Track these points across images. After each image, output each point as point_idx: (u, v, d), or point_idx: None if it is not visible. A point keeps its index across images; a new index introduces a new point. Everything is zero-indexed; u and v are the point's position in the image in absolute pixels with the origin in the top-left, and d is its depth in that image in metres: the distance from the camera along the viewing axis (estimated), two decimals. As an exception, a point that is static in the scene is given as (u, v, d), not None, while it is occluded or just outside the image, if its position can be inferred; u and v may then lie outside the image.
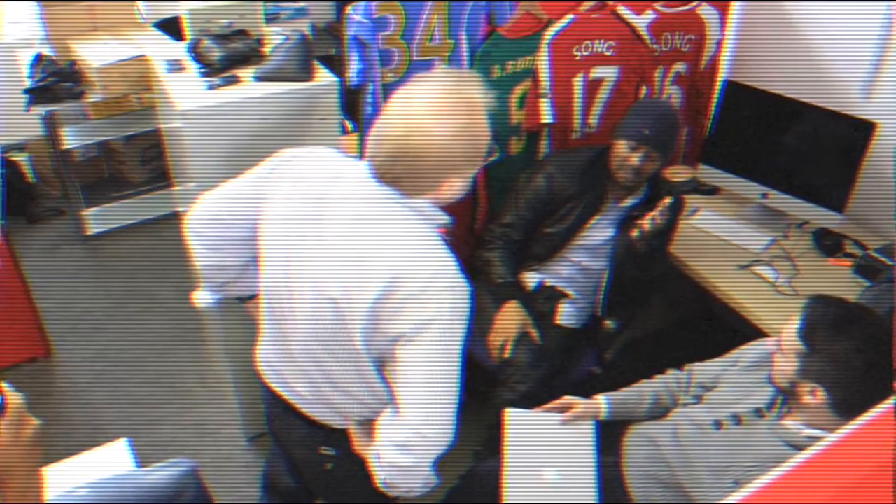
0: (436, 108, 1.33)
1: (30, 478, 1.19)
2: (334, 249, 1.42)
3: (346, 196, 1.44)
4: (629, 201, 2.38)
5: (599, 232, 2.39)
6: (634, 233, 2.23)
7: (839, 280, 2.39)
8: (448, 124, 1.32)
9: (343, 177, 1.47)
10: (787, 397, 1.69)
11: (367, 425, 1.55)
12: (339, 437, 1.62)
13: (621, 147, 2.28)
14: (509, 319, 2.31)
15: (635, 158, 2.25)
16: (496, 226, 2.45)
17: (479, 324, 2.49)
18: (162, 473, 1.78)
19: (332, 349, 1.50)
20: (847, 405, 1.56)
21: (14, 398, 1.23)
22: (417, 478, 1.43)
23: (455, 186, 1.40)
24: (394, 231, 1.39)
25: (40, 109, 3.28)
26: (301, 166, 1.53)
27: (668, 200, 2.20)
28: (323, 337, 1.49)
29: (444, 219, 1.45)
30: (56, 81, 3.25)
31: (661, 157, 2.27)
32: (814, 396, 1.59)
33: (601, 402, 1.97)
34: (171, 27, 3.41)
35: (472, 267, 2.65)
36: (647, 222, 2.20)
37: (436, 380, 1.43)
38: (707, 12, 2.70)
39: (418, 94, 1.35)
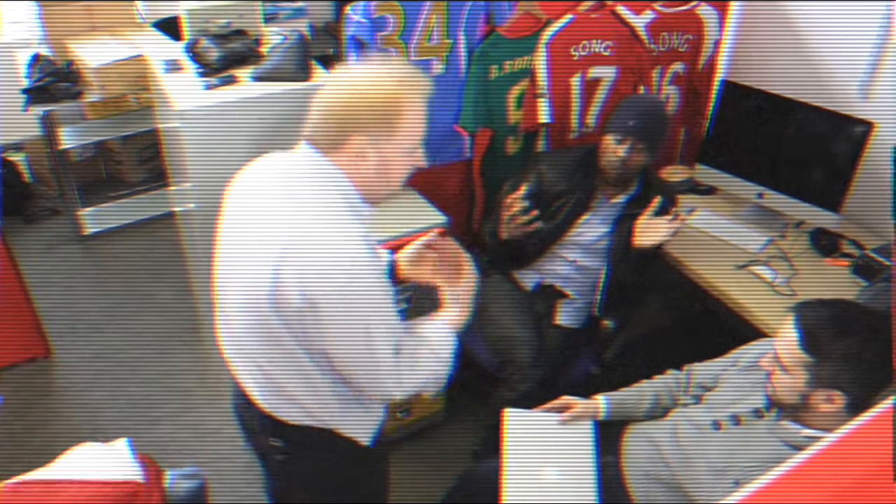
0: (357, 71, 1.44)
1: None
2: (249, 232, 1.46)
3: (267, 178, 1.50)
4: (620, 198, 2.39)
5: (591, 229, 2.39)
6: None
7: (837, 280, 2.40)
8: (358, 81, 1.40)
9: (274, 162, 1.52)
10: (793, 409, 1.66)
11: None
12: (288, 431, 1.60)
13: (608, 141, 2.29)
14: None
15: (621, 151, 2.25)
16: (490, 224, 2.46)
17: (479, 323, 2.49)
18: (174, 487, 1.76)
19: (265, 346, 1.50)
20: (864, 402, 1.55)
21: None
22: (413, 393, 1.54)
23: (366, 154, 1.40)
24: (294, 203, 1.42)
25: (38, 109, 3.28)
26: (250, 168, 1.57)
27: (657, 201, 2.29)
28: (253, 330, 1.49)
29: (356, 199, 1.44)
30: (54, 81, 3.25)
31: (647, 150, 2.28)
32: (831, 402, 1.57)
33: (600, 401, 1.97)
34: (170, 27, 3.40)
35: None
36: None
37: (360, 349, 1.43)
38: (706, 12, 2.70)
39: (354, 65, 1.47)
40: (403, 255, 1.77)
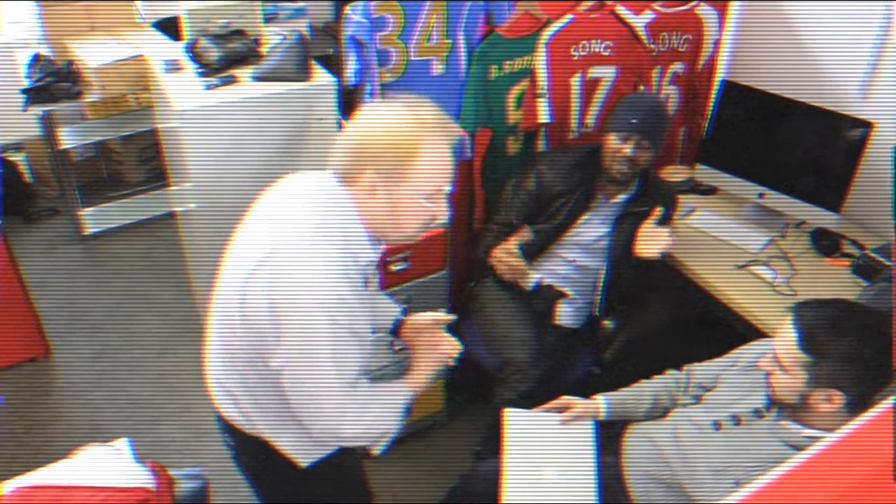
0: (384, 107, 1.43)
1: None
2: (247, 235, 1.49)
3: (284, 190, 1.51)
4: (620, 198, 2.39)
5: (591, 229, 2.40)
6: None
7: (837, 280, 2.39)
8: (380, 118, 1.41)
9: (301, 177, 1.52)
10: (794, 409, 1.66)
11: None
12: (234, 432, 1.64)
13: (612, 140, 2.29)
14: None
15: (627, 149, 2.26)
16: (491, 224, 2.46)
17: (479, 323, 2.49)
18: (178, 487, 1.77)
19: (226, 348, 1.54)
20: (864, 401, 1.55)
21: None
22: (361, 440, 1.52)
23: (376, 191, 1.39)
24: (288, 218, 1.42)
25: (38, 109, 3.27)
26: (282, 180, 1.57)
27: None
28: (221, 331, 1.54)
29: (360, 233, 1.43)
30: (54, 81, 3.25)
31: (652, 147, 2.29)
32: (830, 402, 1.57)
33: (600, 402, 1.97)
34: (170, 27, 3.40)
35: (475, 266, 2.66)
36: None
37: (307, 374, 1.42)
38: (706, 12, 2.70)
39: (386, 102, 1.46)
40: (412, 318, 1.79)
